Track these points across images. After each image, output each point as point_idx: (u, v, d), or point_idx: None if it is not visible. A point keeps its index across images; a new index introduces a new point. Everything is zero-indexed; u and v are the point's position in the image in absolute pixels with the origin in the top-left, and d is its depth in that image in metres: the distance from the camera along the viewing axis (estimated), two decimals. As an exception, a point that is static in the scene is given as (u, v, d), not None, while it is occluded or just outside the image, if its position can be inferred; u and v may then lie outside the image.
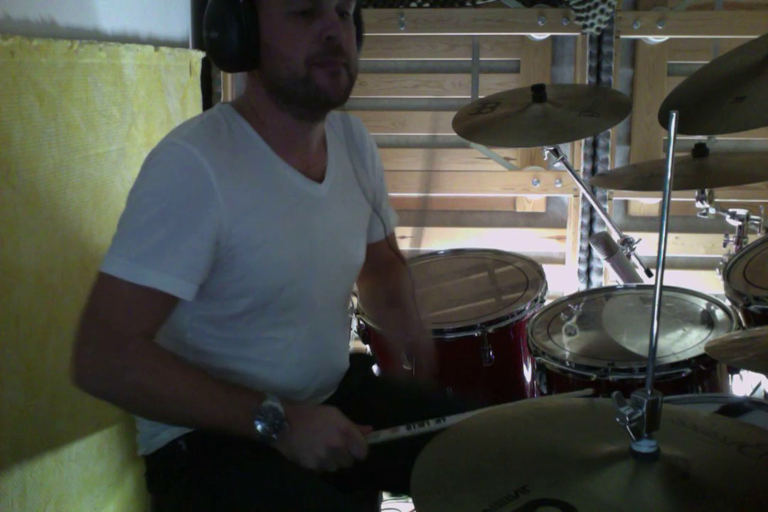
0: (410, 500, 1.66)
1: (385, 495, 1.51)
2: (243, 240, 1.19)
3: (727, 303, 1.83)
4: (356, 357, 1.58)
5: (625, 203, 2.80)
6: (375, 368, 1.94)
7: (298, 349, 1.31)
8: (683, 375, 1.63)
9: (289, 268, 1.25)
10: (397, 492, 1.45)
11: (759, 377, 1.78)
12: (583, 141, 2.58)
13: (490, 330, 1.89)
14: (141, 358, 1.15)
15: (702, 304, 1.88)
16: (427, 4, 2.58)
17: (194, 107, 2.17)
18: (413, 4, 2.58)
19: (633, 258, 2.30)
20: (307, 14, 1.16)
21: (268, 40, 1.17)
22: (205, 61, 2.27)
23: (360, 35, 1.28)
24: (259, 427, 1.14)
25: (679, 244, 2.73)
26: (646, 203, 2.77)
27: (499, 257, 2.26)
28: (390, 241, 1.54)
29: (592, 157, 2.62)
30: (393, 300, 1.50)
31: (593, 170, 2.62)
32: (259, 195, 1.21)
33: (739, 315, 1.78)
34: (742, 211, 2.10)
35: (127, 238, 1.16)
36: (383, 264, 1.55)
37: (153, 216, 1.14)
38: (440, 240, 2.77)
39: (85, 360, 1.15)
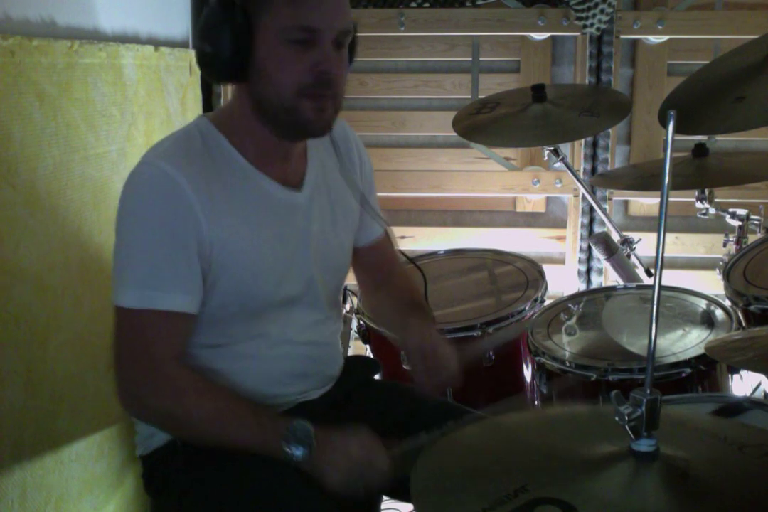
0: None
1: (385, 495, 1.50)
2: (224, 251, 1.21)
3: (727, 303, 1.83)
4: (359, 360, 1.57)
5: (625, 203, 2.80)
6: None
7: (284, 345, 1.31)
8: (683, 375, 1.63)
9: (272, 275, 1.27)
10: (396, 497, 1.45)
11: (759, 377, 1.78)
12: (583, 141, 2.58)
13: (490, 330, 1.89)
14: (168, 385, 1.19)
15: (702, 304, 1.88)
16: (427, 4, 2.58)
17: (194, 107, 2.17)
18: (413, 4, 2.58)
19: (633, 258, 2.30)
20: (303, 43, 1.16)
21: (261, 62, 1.17)
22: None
23: (350, 62, 1.28)
24: (288, 450, 1.15)
25: (679, 244, 2.73)
26: (646, 203, 2.77)
27: (499, 257, 2.25)
28: (388, 242, 1.54)
29: (592, 157, 2.62)
30: (407, 307, 1.50)
31: (593, 170, 2.62)
32: (236, 207, 1.23)
33: (739, 315, 1.78)
34: (742, 211, 2.10)
35: (127, 267, 1.19)
36: (385, 268, 1.54)
37: (144, 241, 1.18)
38: (440, 240, 2.77)
39: (121, 388, 1.21)
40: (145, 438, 1.32)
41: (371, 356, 2.05)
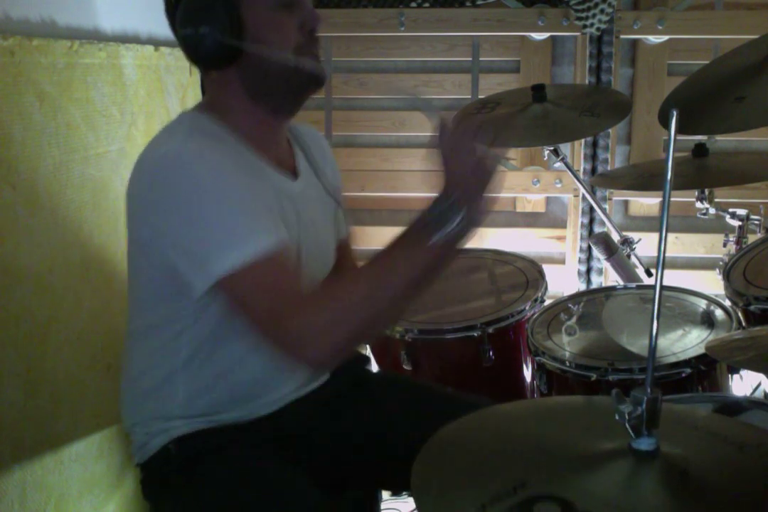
0: (410, 499, 1.66)
1: (385, 495, 1.51)
2: None
3: (727, 303, 1.83)
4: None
5: (625, 203, 2.80)
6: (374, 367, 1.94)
7: None
8: (683, 375, 1.63)
9: None
10: (397, 489, 1.45)
11: (759, 377, 1.78)
12: (583, 141, 2.58)
13: (490, 330, 1.89)
14: (319, 309, 1.07)
15: (702, 304, 1.88)
16: (427, 4, 2.58)
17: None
18: (413, 4, 2.58)
19: (633, 258, 2.30)
20: (289, 6, 1.19)
21: (256, 34, 1.18)
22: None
23: None
24: (447, 233, 1.09)
25: (679, 244, 2.73)
26: (646, 203, 2.78)
27: (499, 257, 2.25)
28: (348, 245, 1.51)
29: (592, 157, 2.62)
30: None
31: (593, 170, 2.62)
32: (254, 188, 1.20)
33: (739, 315, 1.78)
34: (742, 211, 2.10)
35: (215, 234, 1.10)
36: (345, 269, 1.49)
37: (215, 201, 1.11)
38: (440, 240, 2.76)
39: (292, 347, 1.07)
40: (140, 447, 1.30)
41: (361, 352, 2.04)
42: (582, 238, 2.68)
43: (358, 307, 1.07)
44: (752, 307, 1.73)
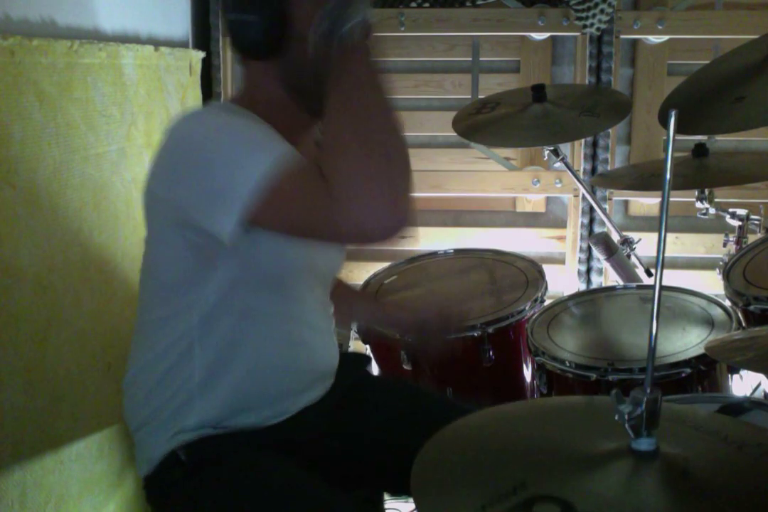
0: (410, 499, 1.66)
1: (386, 495, 1.51)
2: None
3: (727, 303, 1.83)
4: (350, 356, 1.57)
5: (625, 203, 2.80)
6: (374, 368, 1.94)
7: (305, 328, 1.30)
8: (683, 375, 1.63)
9: (302, 251, 1.24)
10: (398, 492, 1.45)
11: (759, 377, 1.78)
12: (583, 141, 2.58)
13: (490, 330, 1.89)
14: (341, 169, 1.04)
15: (702, 304, 1.88)
16: (427, 4, 2.58)
17: (194, 107, 2.17)
18: (413, 4, 2.58)
19: (633, 258, 2.30)
20: None
21: (302, 29, 1.15)
22: (204, 61, 2.27)
23: None
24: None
25: (679, 244, 2.73)
26: (646, 203, 2.77)
27: (499, 257, 2.25)
28: None
29: (592, 157, 2.62)
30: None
31: (593, 170, 2.62)
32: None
33: (739, 315, 1.78)
34: (742, 211, 2.10)
35: (230, 166, 1.07)
36: None
37: (222, 142, 1.10)
38: (440, 240, 2.77)
39: (361, 212, 1.02)
40: (147, 458, 1.27)
41: (362, 352, 2.04)
42: (582, 238, 2.68)
43: (363, 145, 1.06)
44: (752, 307, 1.73)
